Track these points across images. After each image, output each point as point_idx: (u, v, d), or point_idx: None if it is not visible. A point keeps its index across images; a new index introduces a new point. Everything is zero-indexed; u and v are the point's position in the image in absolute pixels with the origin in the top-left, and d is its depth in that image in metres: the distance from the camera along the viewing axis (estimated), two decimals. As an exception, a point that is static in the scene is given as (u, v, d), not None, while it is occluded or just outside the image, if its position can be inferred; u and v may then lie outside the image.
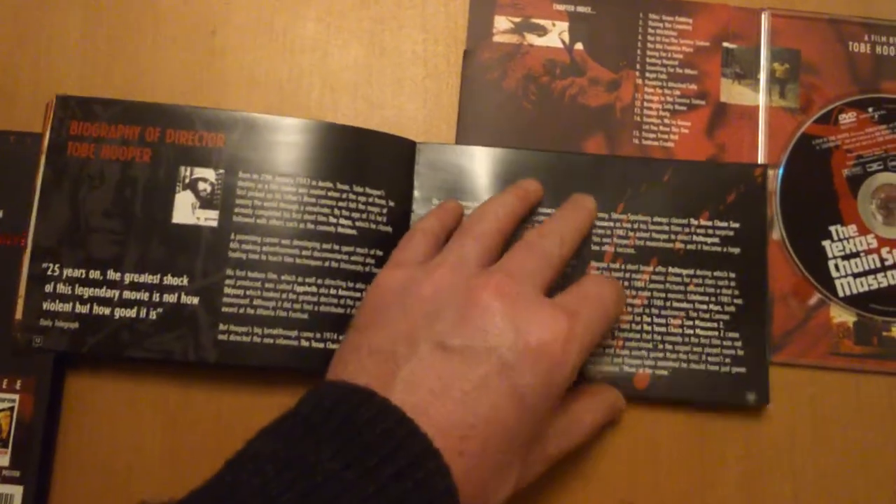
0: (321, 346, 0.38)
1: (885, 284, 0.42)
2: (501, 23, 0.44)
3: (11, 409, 0.39)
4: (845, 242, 0.42)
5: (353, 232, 0.39)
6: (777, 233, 0.42)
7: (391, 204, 0.40)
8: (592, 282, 0.36)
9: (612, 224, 0.41)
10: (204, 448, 0.40)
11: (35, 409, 0.39)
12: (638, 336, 0.40)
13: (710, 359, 0.40)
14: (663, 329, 0.40)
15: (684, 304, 0.40)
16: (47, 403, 0.39)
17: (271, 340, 0.38)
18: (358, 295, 0.39)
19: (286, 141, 0.40)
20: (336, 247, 0.39)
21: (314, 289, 0.39)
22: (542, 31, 0.44)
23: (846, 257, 0.42)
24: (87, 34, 0.44)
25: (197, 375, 0.40)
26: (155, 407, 0.40)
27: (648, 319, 0.40)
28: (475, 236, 0.36)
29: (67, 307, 0.38)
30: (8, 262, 0.39)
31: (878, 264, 0.42)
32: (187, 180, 0.39)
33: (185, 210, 0.39)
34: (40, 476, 0.39)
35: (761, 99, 0.44)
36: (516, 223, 0.39)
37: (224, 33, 0.44)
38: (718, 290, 0.40)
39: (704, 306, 0.40)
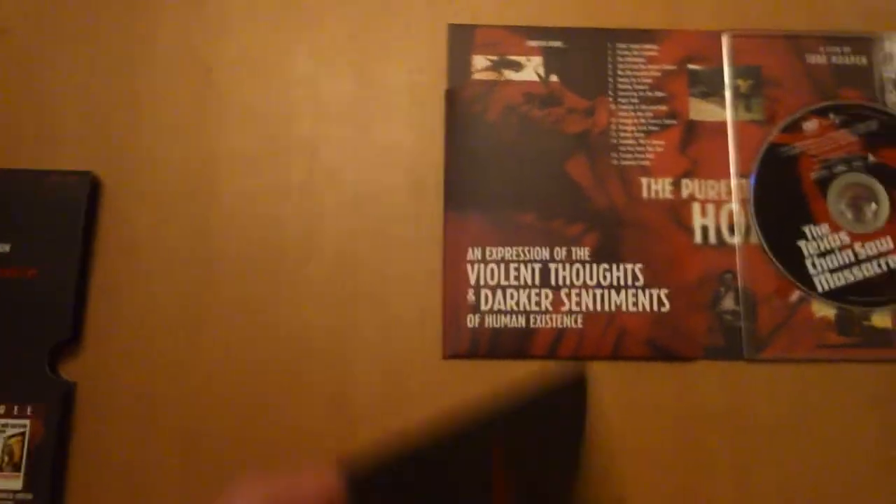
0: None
1: (860, 277, 0.44)
2: (479, 61, 0.47)
3: (23, 434, 0.41)
4: (819, 241, 0.44)
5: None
6: (755, 237, 0.45)
7: None
8: None
9: None
10: (219, 470, 0.41)
11: (46, 433, 0.41)
12: None
13: None
14: None
15: None
16: (57, 428, 0.41)
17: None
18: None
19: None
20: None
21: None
22: (518, 66, 0.47)
23: (822, 255, 0.44)
24: (91, 73, 0.47)
25: (210, 396, 0.42)
26: (167, 430, 0.42)
27: None
28: None
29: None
30: (17, 293, 0.42)
31: (853, 259, 0.44)
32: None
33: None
34: (52, 498, 0.40)
35: (728, 114, 0.47)
36: None
37: (219, 70, 0.47)
38: None
39: None
